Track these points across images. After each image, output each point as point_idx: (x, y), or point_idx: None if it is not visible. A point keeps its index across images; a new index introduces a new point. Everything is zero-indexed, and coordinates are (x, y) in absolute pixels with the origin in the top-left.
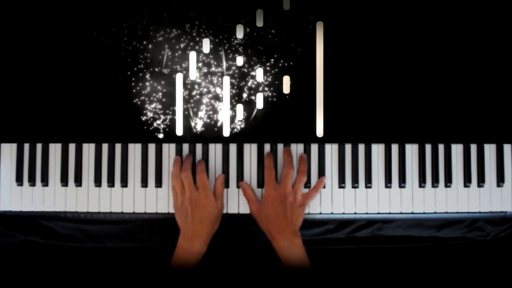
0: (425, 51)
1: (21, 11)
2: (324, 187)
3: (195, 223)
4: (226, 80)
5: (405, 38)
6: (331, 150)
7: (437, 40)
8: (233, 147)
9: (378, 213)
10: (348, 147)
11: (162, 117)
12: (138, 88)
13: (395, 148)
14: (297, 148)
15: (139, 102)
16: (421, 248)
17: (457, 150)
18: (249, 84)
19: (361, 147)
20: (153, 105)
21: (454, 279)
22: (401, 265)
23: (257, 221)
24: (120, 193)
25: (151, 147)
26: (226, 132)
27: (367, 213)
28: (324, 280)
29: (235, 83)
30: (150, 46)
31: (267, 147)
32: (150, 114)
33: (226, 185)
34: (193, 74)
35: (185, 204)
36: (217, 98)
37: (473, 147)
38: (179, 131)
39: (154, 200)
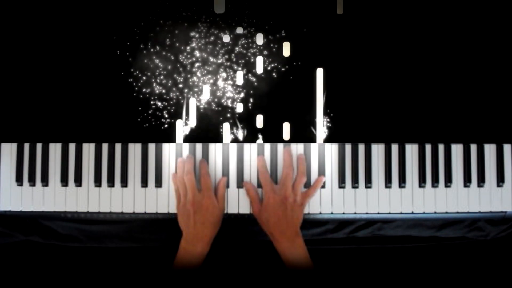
0: (425, 51)
1: (20, 12)
2: (324, 187)
3: (197, 225)
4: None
5: (405, 38)
6: (331, 150)
7: (437, 40)
8: (233, 147)
9: (378, 213)
10: (348, 147)
11: (162, 117)
12: (138, 88)
13: (395, 148)
14: (297, 148)
15: (139, 102)
16: (421, 248)
17: (457, 150)
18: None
19: (361, 147)
20: (153, 105)
21: (454, 279)
22: (401, 265)
23: (258, 222)
24: (120, 193)
25: (151, 147)
26: (226, 133)
27: (367, 213)
28: (326, 280)
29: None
30: (149, 46)
31: (267, 147)
32: (150, 114)
33: (226, 185)
34: (194, 74)
35: (187, 206)
36: (219, 101)
37: (473, 147)
38: (180, 131)
39: (154, 200)
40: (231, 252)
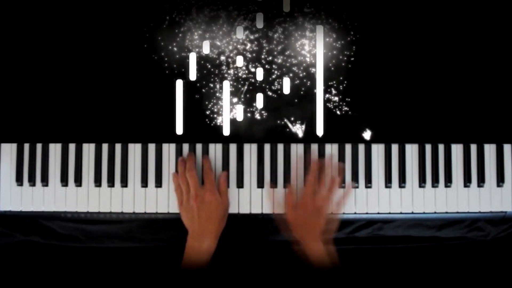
0: (425, 51)
1: (20, 12)
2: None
3: (202, 220)
4: (226, 84)
5: (405, 38)
6: (331, 150)
7: (437, 40)
8: (233, 147)
9: (378, 213)
10: (348, 147)
11: (163, 117)
12: (138, 88)
13: (395, 148)
14: (297, 148)
15: (139, 102)
16: (421, 248)
17: (457, 150)
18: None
19: (361, 147)
20: (153, 105)
21: (454, 279)
22: (401, 265)
23: (289, 226)
24: (120, 193)
25: (151, 147)
26: (226, 132)
27: (367, 213)
28: (327, 280)
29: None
30: (147, 46)
31: (266, 147)
32: (150, 114)
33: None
34: (193, 75)
35: (190, 202)
36: (217, 98)
37: (473, 147)
38: (179, 131)
39: (154, 200)
40: (236, 252)
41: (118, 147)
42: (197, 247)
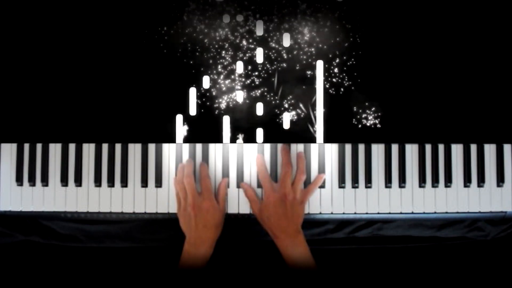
0: (425, 51)
1: (21, 12)
2: (324, 187)
3: (199, 228)
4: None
5: (405, 37)
6: (331, 150)
7: (437, 40)
8: (233, 147)
9: (378, 213)
10: (348, 147)
11: (164, 117)
12: (138, 88)
13: (395, 148)
14: (297, 148)
15: (139, 102)
16: (421, 248)
17: (457, 150)
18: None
19: (361, 147)
20: (154, 105)
21: (454, 279)
22: (401, 265)
23: (259, 221)
24: (120, 193)
25: (151, 147)
26: (226, 132)
27: (367, 213)
28: (327, 279)
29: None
30: (147, 45)
31: (266, 147)
32: (151, 114)
33: (227, 185)
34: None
35: (188, 209)
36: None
37: (473, 147)
38: (180, 131)
39: (154, 200)
40: (233, 252)
41: (118, 147)
42: (193, 253)
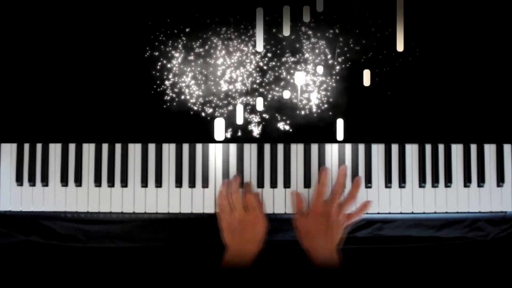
0: (424, 51)
1: (21, 13)
2: None
3: (243, 242)
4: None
5: (405, 37)
6: (331, 150)
7: (437, 40)
8: (233, 147)
9: (378, 213)
10: (348, 147)
11: (164, 116)
12: (138, 87)
13: (395, 148)
14: (297, 148)
15: (139, 102)
16: (421, 248)
17: (457, 150)
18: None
19: (361, 147)
20: (154, 104)
21: (454, 279)
22: (401, 265)
23: (297, 232)
24: (120, 193)
25: (151, 147)
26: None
27: (367, 213)
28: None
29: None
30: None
31: (266, 147)
32: (151, 114)
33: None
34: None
35: (234, 224)
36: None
37: (473, 147)
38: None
39: (154, 200)
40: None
41: (118, 147)
42: (236, 264)
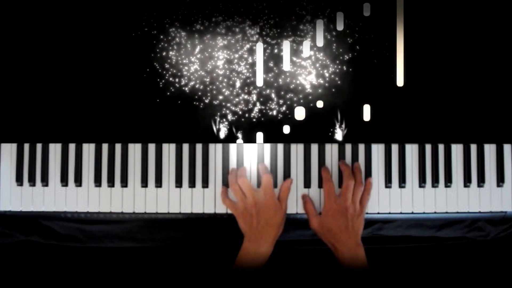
0: (424, 51)
1: (21, 12)
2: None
3: (260, 225)
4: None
5: (405, 37)
6: (331, 150)
7: (436, 40)
8: (233, 147)
9: (378, 213)
10: (348, 147)
11: (164, 116)
12: (138, 87)
13: (395, 148)
14: (297, 148)
15: (139, 101)
16: (421, 248)
17: (457, 150)
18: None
19: (361, 147)
20: (154, 104)
21: (454, 279)
22: (401, 265)
23: (318, 234)
24: (120, 193)
25: (151, 147)
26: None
27: (367, 213)
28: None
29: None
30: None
31: (266, 147)
32: (150, 113)
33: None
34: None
35: (248, 208)
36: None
37: (473, 147)
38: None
39: (154, 200)
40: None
41: (118, 147)
42: (253, 250)
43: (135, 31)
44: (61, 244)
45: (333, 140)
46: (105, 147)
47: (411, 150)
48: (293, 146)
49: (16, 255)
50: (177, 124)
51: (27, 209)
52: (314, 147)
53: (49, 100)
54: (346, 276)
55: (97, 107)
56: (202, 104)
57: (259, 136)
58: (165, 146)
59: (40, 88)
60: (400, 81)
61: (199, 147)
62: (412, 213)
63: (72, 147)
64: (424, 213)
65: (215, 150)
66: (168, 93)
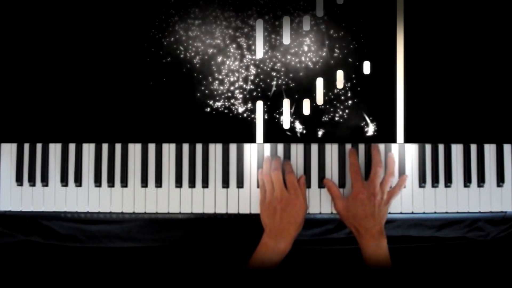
0: (424, 50)
1: (21, 12)
2: (323, 186)
3: (283, 222)
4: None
5: (406, 37)
6: (331, 150)
7: (436, 40)
8: (233, 147)
9: None
10: (348, 147)
11: (164, 116)
12: (138, 87)
13: (395, 148)
14: (297, 148)
15: (139, 101)
16: (421, 248)
17: (457, 150)
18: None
19: (361, 147)
20: (153, 104)
21: (454, 279)
22: (401, 265)
23: (342, 217)
24: (120, 193)
25: (151, 147)
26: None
27: None
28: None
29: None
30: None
31: (266, 147)
32: (150, 113)
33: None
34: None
35: (273, 203)
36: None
37: (473, 147)
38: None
39: (154, 200)
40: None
41: (118, 147)
42: (272, 246)
43: (135, 31)
44: (61, 244)
45: (334, 140)
46: (105, 147)
47: (411, 150)
48: (293, 146)
49: (16, 255)
50: (177, 124)
51: (27, 209)
52: (314, 147)
53: (49, 100)
54: (346, 276)
55: (97, 107)
56: (202, 103)
57: (259, 132)
58: (165, 146)
59: (40, 88)
60: (400, 81)
61: (199, 147)
62: (412, 213)
63: (72, 147)
64: (424, 213)
65: (215, 150)
66: (168, 93)
